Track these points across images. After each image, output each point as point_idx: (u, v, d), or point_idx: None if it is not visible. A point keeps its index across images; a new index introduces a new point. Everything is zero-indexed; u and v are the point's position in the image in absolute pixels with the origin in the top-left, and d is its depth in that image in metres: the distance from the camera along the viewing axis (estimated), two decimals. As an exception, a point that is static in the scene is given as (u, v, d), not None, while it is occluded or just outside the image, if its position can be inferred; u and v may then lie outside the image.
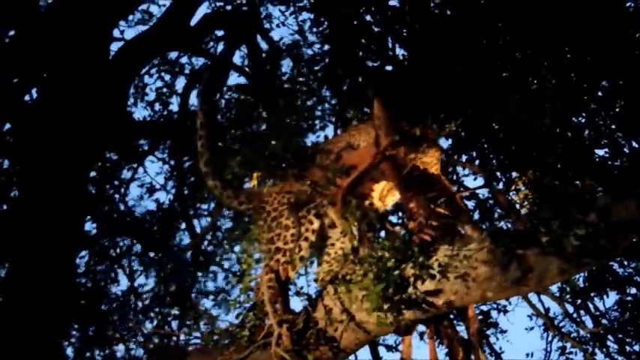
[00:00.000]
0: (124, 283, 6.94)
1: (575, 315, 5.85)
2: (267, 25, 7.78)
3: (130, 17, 7.78)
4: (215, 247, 7.40)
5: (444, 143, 4.60)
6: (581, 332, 5.84)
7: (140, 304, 6.87)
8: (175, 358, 4.28)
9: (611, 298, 5.69)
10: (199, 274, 7.14)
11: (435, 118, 4.25)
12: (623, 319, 5.64)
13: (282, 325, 3.69)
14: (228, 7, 7.87)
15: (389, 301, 3.46)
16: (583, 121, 4.63)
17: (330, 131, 6.08)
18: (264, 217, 4.15)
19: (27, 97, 6.75)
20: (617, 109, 4.56)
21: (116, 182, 7.40)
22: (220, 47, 7.97)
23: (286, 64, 7.46)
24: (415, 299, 3.50)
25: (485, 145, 4.75)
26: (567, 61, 4.46)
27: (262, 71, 7.47)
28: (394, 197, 4.21)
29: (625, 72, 4.38)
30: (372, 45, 4.94)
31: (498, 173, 4.74)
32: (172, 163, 7.64)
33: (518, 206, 4.66)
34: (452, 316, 3.98)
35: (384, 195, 4.23)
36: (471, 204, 5.03)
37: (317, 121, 6.53)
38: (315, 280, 4.24)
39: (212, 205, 7.40)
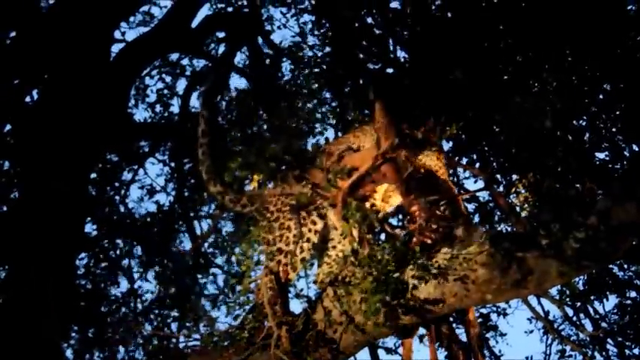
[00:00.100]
0: (123, 284, 6.95)
1: (574, 318, 5.86)
2: (268, 27, 7.79)
3: (131, 19, 7.79)
4: (215, 249, 7.39)
5: (445, 146, 4.61)
6: (581, 335, 5.84)
7: (140, 305, 6.87)
8: (175, 360, 4.28)
9: (611, 301, 5.69)
10: (199, 276, 7.13)
11: (436, 120, 4.25)
12: (623, 322, 5.63)
13: (282, 327, 3.69)
14: (230, 9, 7.87)
15: (387, 306, 3.46)
16: (583, 124, 4.63)
17: (330, 133, 6.09)
18: (268, 217, 4.15)
19: (28, 99, 6.75)
20: (617, 113, 4.56)
21: (116, 184, 7.38)
22: (221, 49, 8.00)
23: (287, 66, 7.50)
24: (413, 305, 3.50)
25: (486, 148, 4.75)
26: (568, 64, 4.46)
27: (263, 73, 7.47)
28: (398, 198, 4.21)
29: (626, 75, 4.38)
30: (373, 47, 4.94)
31: (499, 176, 4.75)
32: (173, 164, 7.63)
33: (518, 209, 4.67)
34: (452, 320, 3.98)
35: (388, 196, 4.22)
36: (471, 207, 5.05)
37: (317, 124, 6.55)
38: (315, 282, 4.24)
39: (212, 207, 7.40)
